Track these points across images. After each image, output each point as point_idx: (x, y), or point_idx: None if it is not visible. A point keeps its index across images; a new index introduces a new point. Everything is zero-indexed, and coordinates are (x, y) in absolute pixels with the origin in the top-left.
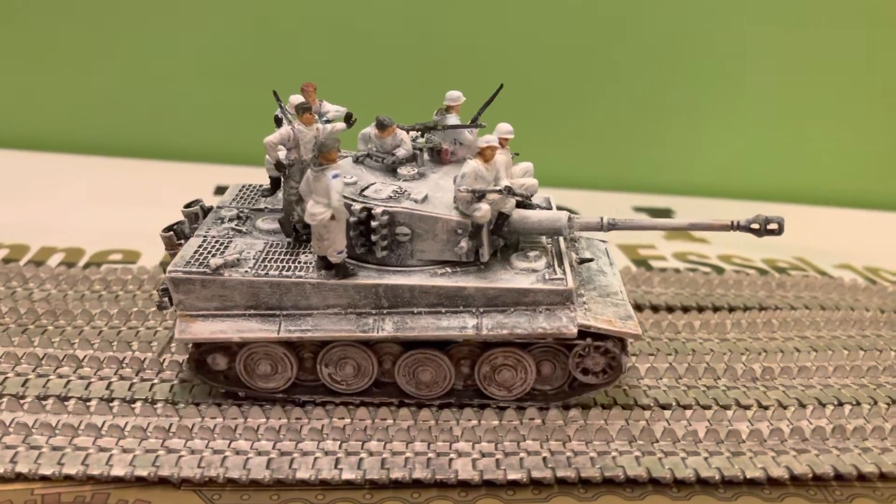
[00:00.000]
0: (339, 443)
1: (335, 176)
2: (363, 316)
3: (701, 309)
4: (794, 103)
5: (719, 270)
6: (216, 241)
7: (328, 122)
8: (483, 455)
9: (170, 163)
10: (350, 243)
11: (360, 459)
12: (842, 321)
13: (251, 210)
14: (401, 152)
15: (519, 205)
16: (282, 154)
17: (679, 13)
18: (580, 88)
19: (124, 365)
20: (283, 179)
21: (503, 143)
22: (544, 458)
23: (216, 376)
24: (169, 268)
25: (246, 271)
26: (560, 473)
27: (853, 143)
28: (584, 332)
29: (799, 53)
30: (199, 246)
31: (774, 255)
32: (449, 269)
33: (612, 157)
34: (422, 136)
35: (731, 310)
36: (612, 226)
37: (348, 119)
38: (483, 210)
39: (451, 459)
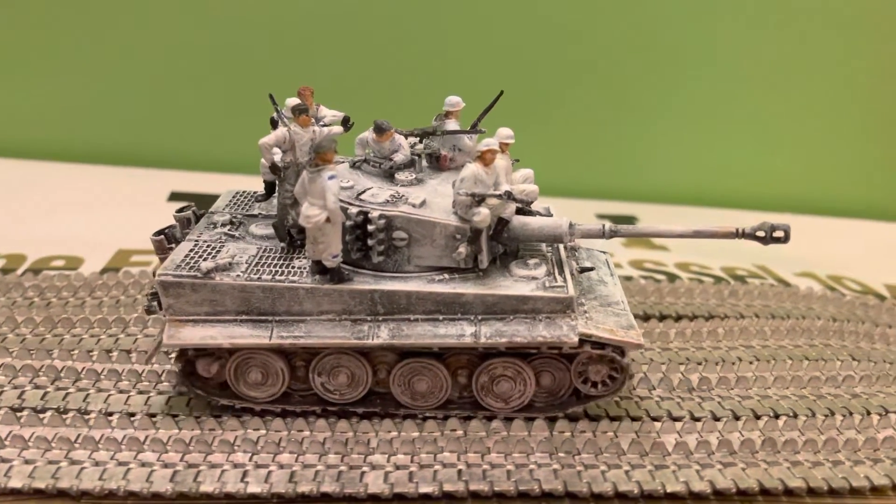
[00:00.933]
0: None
1: (331, 177)
2: (358, 322)
3: (647, 318)
4: (758, 110)
5: (673, 278)
6: (208, 246)
7: (325, 126)
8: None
9: (118, 168)
10: (346, 248)
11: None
12: (790, 330)
13: (245, 216)
14: (399, 157)
15: (519, 211)
16: (277, 157)
17: (641, 20)
18: (543, 93)
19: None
20: (277, 183)
21: (503, 148)
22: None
23: (205, 385)
24: (159, 271)
25: (238, 275)
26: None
27: (820, 150)
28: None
29: (760, 61)
30: (191, 250)
31: (734, 263)
32: (447, 276)
33: (574, 163)
34: (420, 141)
35: (678, 319)
36: (614, 233)
37: (346, 123)
38: (482, 214)
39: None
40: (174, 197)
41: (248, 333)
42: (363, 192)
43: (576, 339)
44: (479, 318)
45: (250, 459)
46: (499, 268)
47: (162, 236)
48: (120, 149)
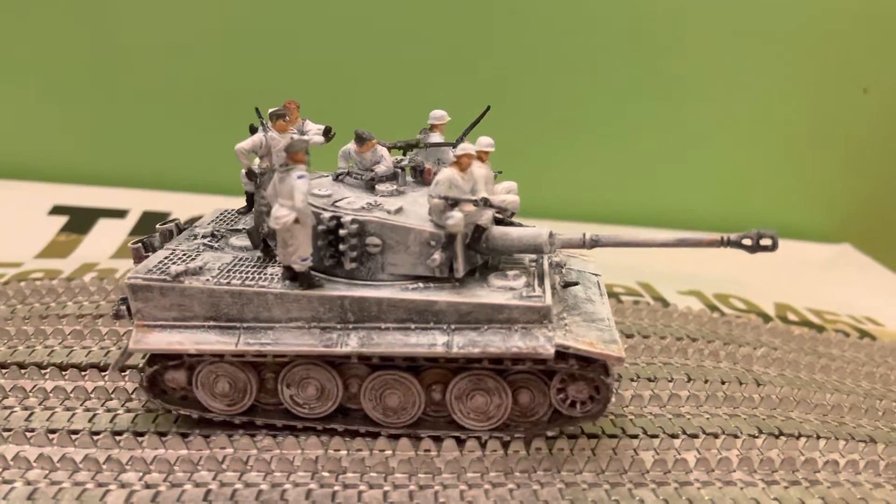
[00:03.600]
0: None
1: (300, 177)
2: (327, 331)
3: None
4: (657, 125)
5: None
6: (184, 254)
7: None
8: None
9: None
10: (318, 255)
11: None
12: (630, 349)
13: (228, 230)
14: (381, 168)
15: (500, 223)
16: (255, 164)
17: (558, 38)
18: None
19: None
20: (255, 191)
21: (483, 156)
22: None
23: (170, 398)
24: (129, 274)
25: (207, 280)
26: None
27: (722, 167)
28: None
29: (670, 82)
30: (166, 257)
31: (614, 280)
32: (421, 285)
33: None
34: (404, 154)
35: None
36: (595, 242)
37: (327, 133)
38: (456, 218)
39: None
40: (56, 210)
41: (215, 340)
42: (340, 199)
43: (552, 350)
44: (453, 327)
45: (214, 478)
46: (477, 279)
47: (140, 244)
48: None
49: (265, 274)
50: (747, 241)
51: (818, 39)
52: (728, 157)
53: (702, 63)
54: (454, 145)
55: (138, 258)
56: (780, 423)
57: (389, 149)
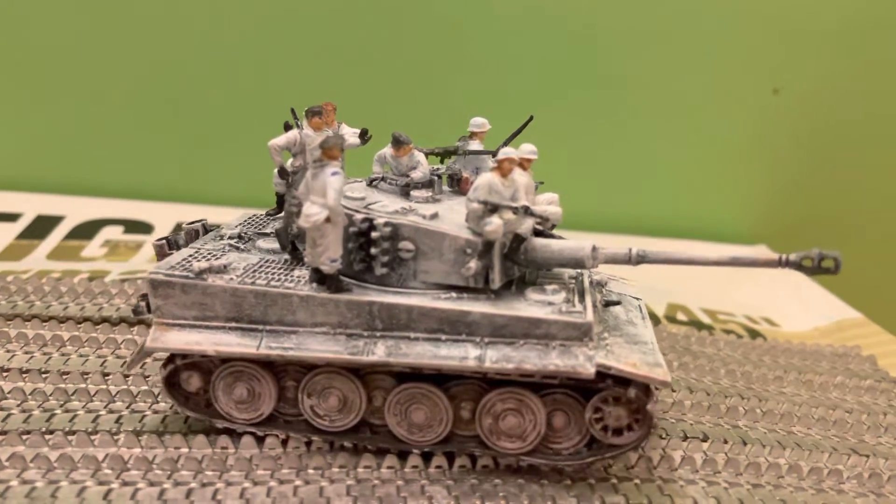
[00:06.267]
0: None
1: (334, 173)
2: (353, 338)
3: None
4: (578, 132)
5: None
6: (209, 253)
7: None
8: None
9: None
10: (348, 259)
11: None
12: None
13: (256, 233)
14: (417, 174)
15: (540, 234)
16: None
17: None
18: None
19: None
20: (286, 190)
21: (525, 164)
22: None
23: (187, 402)
24: (150, 269)
25: (231, 279)
26: None
27: (640, 172)
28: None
29: (582, 85)
30: (190, 255)
31: None
32: (454, 294)
33: None
34: (441, 161)
35: None
36: (642, 258)
37: (363, 135)
38: (494, 224)
39: None
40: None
41: (236, 342)
42: (373, 203)
43: (592, 370)
44: (486, 340)
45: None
46: (513, 293)
47: (164, 241)
48: None
49: (291, 276)
50: (807, 263)
51: (727, 40)
52: (643, 160)
53: (613, 67)
54: (494, 154)
55: (162, 255)
56: None
57: (427, 155)
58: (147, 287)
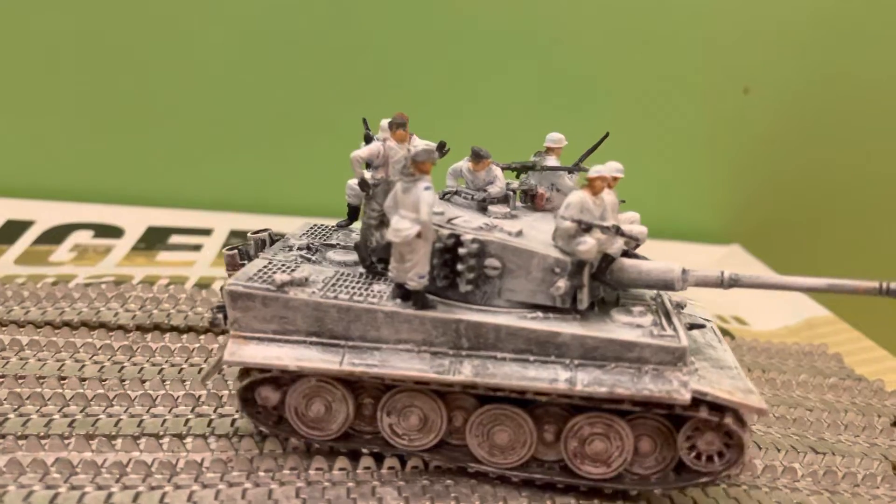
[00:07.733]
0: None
1: (427, 188)
2: (438, 356)
3: None
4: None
5: None
6: (282, 264)
7: None
8: None
9: None
10: (431, 275)
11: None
12: None
13: (323, 244)
14: (494, 189)
15: (625, 254)
16: (367, 174)
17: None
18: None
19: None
20: (364, 202)
21: (611, 182)
22: None
23: (261, 416)
24: (229, 281)
25: (313, 292)
26: None
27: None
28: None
29: (553, 84)
30: (265, 266)
31: None
32: (540, 314)
33: None
34: (517, 176)
35: None
36: (735, 282)
37: (441, 148)
38: (588, 244)
39: None
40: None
41: (318, 357)
42: (454, 218)
43: (688, 396)
44: (576, 363)
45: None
46: (597, 314)
47: (235, 251)
48: None
49: (371, 290)
50: None
51: (698, 40)
52: (617, 160)
53: (583, 67)
54: (571, 170)
55: (233, 266)
56: None
57: (504, 170)
58: (226, 299)
